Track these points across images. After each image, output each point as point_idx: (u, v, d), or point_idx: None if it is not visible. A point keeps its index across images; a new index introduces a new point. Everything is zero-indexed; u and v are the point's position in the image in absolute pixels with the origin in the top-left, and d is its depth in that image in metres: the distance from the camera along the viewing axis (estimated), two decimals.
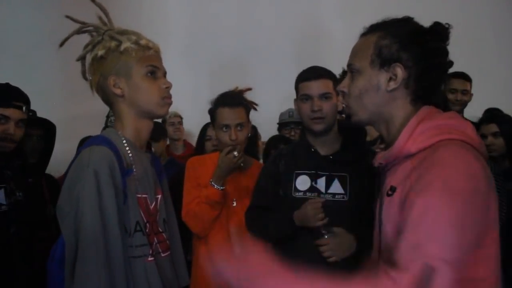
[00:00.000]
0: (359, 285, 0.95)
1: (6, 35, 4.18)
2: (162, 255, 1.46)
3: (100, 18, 1.49)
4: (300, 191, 1.91)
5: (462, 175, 0.99)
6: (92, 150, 1.32)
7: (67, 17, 1.50)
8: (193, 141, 3.77)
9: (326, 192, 1.88)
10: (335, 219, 1.80)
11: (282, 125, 3.54)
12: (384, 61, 1.15)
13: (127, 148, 1.41)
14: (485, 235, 1.01)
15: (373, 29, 1.20)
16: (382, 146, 2.19)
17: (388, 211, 1.13)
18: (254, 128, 2.45)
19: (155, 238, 1.43)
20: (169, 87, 1.45)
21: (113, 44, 1.41)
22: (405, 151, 1.11)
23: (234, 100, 2.18)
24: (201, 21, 4.13)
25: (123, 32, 1.45)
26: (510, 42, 4.06)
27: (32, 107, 2.09)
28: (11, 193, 1.99)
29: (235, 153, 2.09)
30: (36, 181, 2.45)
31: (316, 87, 1.90)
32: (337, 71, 1.99)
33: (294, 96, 2.03)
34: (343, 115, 3.25)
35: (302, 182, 1.92)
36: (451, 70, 1.23)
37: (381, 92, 1.16)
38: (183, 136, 4.10)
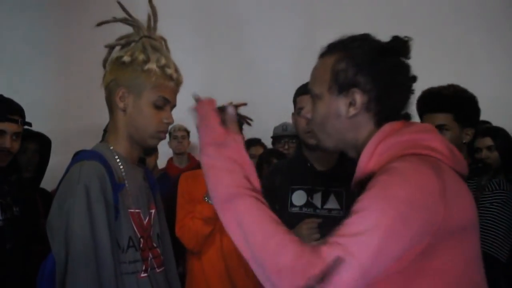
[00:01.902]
0: (293, 244, 0.92)
1: (1, 47, 4.19)
2: (157, 270, 1.44)
3: (148, 19, 1.46)
4: (296, 206, 1.90)
5: (408, 185, 0.93)
6: (83, 165, 1.30)
7: (118, 2, 1.46)
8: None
9: (322, 208, 1.87)
10: (331, 234, 1.78)
11: (276, 139, 3.54)
12: (341, 87, 1.09)
13: (119, 163, 1.40)
14: (432, 248, 0.94)
15: (330, 50, 1.15)
16: None
17: None
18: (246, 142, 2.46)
19: (149, 254, 1.41)
20: (169, 123, 1.42)
21: (141, 57, 1.38)
22: (368, 170, 1.06)
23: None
24: (195, 33, 4.15)
25: (158, 49, 1.41)
26: (502, 52, 4.08)
27: (27, 120, 2.08)
28: (7, 208, 1.98)
29: None
30: (31, 195, 2.44)
31: None
32: None
33: (289, 110, 2.03)
34: None
35: (298, 197, 1.91)
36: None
37: (342, 119, 1.11)
38: (187, 149, 4.10)
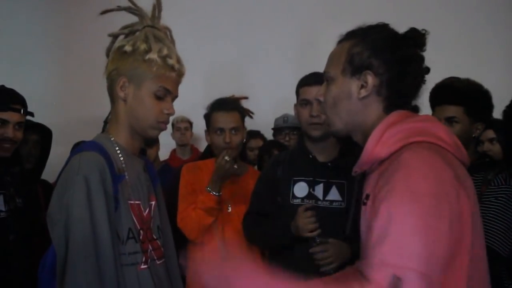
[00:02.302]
0: (331, 285, 0.93)
1: (2, 39, 4.17)
2: (157, 262, 1.43)
3: (153, 9, 1.44)
4: (298, 197, 1.90)
5: (426, 178, 0.96)
6: (82, 156, 1.30)
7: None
8: (202, 147, 3.77)
9: (323, 199, 1.86)
10: (332, 226, 1.79)
11: (277, 130, 3.53)
12: (355, 69, 1.13)
13: (119, 154, 1.39)
14: (459, 242, 0.97)
15: (348, 36, 1.19)
16: None
17: (364, 219, 1.10)
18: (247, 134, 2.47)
19: (149, 245, 1.41)
20: (170, 113, 1.41)
21: (142, 47, 1.36)
22: (374, 156, 1.08)
23: (229, 105, 2.21)
24: (197, 25, 4.13)
25: (160, 39, 1.40)
26: (504, 44, 4.08)
27: (28, 111, 2.08)
28: (10, 200, 1.98)
29: (226, 157, 2.08)
30: (32, 187, 2.44)
31: (316, 92, 1.88)
32: None
33: (290, 102, 2.02)
34: None
35: (300, 189, 1.90)
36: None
37: (353, 100, 1.14)
38: (190, 141, 4.09)
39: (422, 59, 1.15)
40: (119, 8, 1.45)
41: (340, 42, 1.21)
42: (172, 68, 1.38)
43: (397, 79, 1.12)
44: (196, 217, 2.13)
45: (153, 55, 1.35)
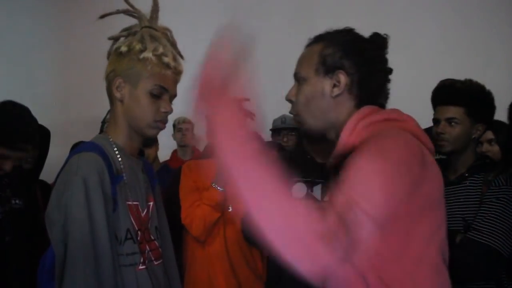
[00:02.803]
0: (299, 204, 0.95)
1: (1, 40, 4.17)
2: (155, 263, 1.44)
3: (152, 10, 1.45)
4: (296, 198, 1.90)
5: (398, 146, 1.04)
6: (81, 157, 1.30)
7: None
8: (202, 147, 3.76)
9: (322, 200, 1.86)
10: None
11: (275, 131, 3.53)
12: (328, 69, 1.20)
13: (118, 155, 1.39)
14: (419, 214, 1.04)
15: (317, 39, 1.26)
16: None
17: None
18: None
19: (147, 246, 1.41)
20: (167, 112, 1.40)
21: (137, 46, 1.37)
22: (349, 144, 1.14)
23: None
24: (195, 27, 4.13)
25: (156, 38, 1.40)
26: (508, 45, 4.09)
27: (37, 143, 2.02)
28: (6, 201, 1.96)
29: None
30: (31, 187, 2.44)
31: None
32: None
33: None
34: None
35: (298, 190, 1.91)
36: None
37: (326, 98, 1.20)
38: (191, 142, 4.08)
39: (385, 60, 1.23)
40: (118, 11, 1.45)
41: (309, 45, 1.28)
42: (167, 66, 1.38)
43: (366, 78, 1.20)
44: (201, 213, 2.13)
45: (147, 54, 1.35)
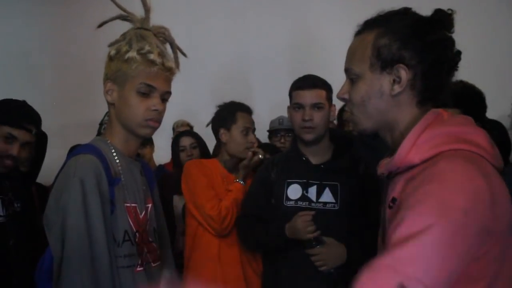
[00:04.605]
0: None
1: None
2: (153, 265, 1.44)
3: (146, 12, 1.45)
4: (291, 200, 1.92)
5: (460, 193, 0.88)
6: (79, 159, 1.30)
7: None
8: None
9: (317, 201, 1.88)
10: (326, 228, 1.80)
11: (272, 132, 3.54)
12: (385, 63, 1.03)
13: (116, 157, 1.39)
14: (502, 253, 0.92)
15: (368, 26, 1.08)
16: None
17: (389, 223, 1.02)
18: None
19: (145, 248, 1.42)
20: (157, 110, 1.38)
21: (124, 48, 1.36)
22: (407, 161, 1.00)
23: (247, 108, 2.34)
24: (194, 30, 4.14)
25: (145, 37, 1.38)
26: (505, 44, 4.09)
27: (41, 131, 2.04)
28: (9, 204, 1.96)
29: (260, 155, 2.22)
30: (28, 190, 2.44)
31: (308, 96, 1.91)
32: (328, 78, 2.00)
33: (285, 104, 2.04)
34: (335, 122, 3.29)
35: (294, 191, 1.92)
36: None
37: (385, 97, 1.05)
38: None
39: (453, 42, 1.04)
40: (113, 18, 1.45)
41: (359, 33, 1.10)
42: (152, 62, 1.35)
43: (431, 69, 1.02)
44: (229, 205, 2.13)
45: (131, 53, 1.34)
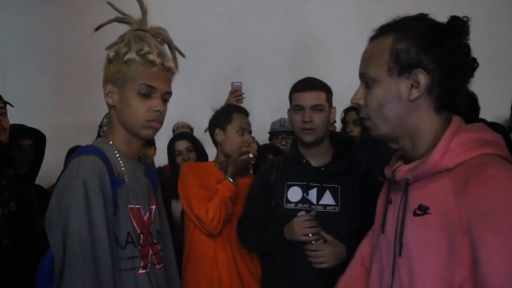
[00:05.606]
0: None
1: None
2: (157, 267, 1.43)
3: (143, 13, 1.44)
4: (292, 202, 1.91)
5: None
6: (81, 160, 1.29)
7: (108, 3, 1.44)
8: None
9: (317, 204, 1.88)
10: (326, 230, 1.80)
11: (273, 134, 3.54)
12: (403, 68, 1.04)
13: (119, 158, 1.39)
14: None
15: (384, 31, 1.08)
16: None
17: (420, 233, 1.02)
18: None
19: (150, 250, 1.41)
20: (158, 110, 1.37)
21: (123, 50, 1.36)
22: (441, 166, 1.00)
23: (243, 109, 2.36)
24: (193, 32, 4.14)
25: (143, 38, 1.38)
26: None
27: (22, 116, 2.06)
28: (4, 204, 1.96)
29: (251, 154, 2.18)
30: (26, 191, 2.43)
31: (308, 98, 1.90)
32: (328, 80, 2.00)
33: (286, 106, 2.03)
34: (335, 124, 3.28)
35: (294, 194, 1.92)
36: None
37: (403, 102, 1.05)
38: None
39: (469, 49, 1.05)
40: (111, 20, 1.44)
41: (374, 38, 1.10)
42: (152, 63, 1.35)
43: (449, 73, 1.03)
44: (217, 204, 2.12)
45: (131, 55, 1.34)
